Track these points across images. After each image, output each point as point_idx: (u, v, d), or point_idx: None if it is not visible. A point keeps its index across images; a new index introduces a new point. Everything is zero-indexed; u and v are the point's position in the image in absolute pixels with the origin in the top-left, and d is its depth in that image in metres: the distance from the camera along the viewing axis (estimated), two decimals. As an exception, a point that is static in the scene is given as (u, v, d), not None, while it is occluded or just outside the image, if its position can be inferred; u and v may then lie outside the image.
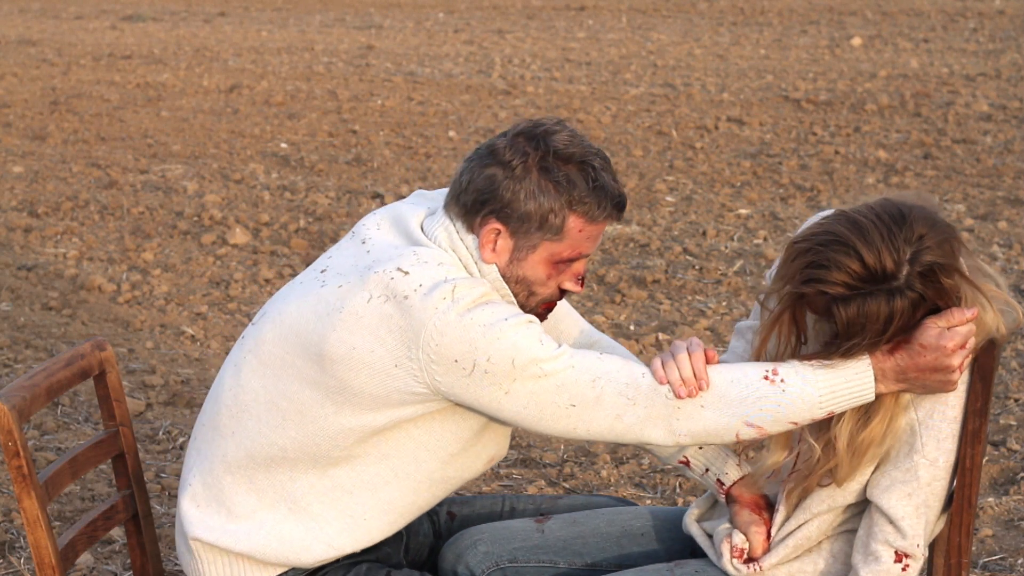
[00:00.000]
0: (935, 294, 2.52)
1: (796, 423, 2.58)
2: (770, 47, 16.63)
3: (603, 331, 6.51)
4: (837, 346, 2.55)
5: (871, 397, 2.58)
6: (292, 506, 2.75)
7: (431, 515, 3.07)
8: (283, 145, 11.18)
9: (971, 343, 2.56)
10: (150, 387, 5.89)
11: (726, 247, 7.87)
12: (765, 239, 8.01)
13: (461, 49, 17.09)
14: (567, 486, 4.89)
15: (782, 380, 2.56)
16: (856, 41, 16.69)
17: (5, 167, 10.39)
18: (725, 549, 2.78)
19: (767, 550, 2.77)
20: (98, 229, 8.60)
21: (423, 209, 2.80)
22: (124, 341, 6.51)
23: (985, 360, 2.62)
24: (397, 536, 2.96)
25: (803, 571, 2.77)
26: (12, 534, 4.55)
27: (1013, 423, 5.33)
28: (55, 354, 5.82)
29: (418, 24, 20.36)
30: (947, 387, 2.57)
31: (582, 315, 6.70)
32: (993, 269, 2.67)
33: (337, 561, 2.82)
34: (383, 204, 9.05)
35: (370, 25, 20.40)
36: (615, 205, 2.69)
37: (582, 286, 2.76)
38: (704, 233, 8.17)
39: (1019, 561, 4.35)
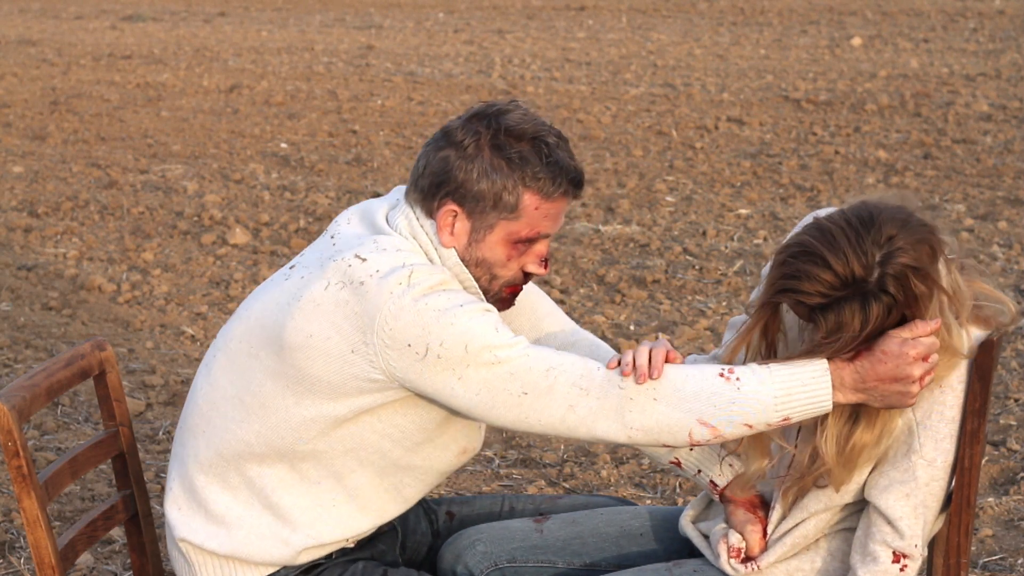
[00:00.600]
0: (906, 300, 2.52)
1: (751, 426, 2.55)
2: (770, 47, 16.63)
3: (603, 331, 6.51)
4: (829, 345, 2.56)
5: (828, 406, 2.55)
6: (264, 501, 2.75)
7: (429, 514, 3.07)
8: (283, 145, 11.18)
9: (934, 358, 2.55)
10: (150, 387, 5.89)
11: (726, 247, 7.87)
12: (765, 239, 8.01)
13: (461, 49, 17.09)
14: (567, 486, 4.89)
15: (737, 379, 2.55)
16: (856, 41, 16.69)
17: (5, 167, 10.39)
18: (722, 550, 2.78)
19: (764, 549, 2.78)
20: (98, 229, 8.60)
21: (392, 201, 2.79)
22: (124, 341, 6.51)
23: (983, 360, 2.62)
24: (392, 533, 2.96)
25: (800, 569, 2.77)
26: (12, 534, 4.55)
27: (1013, 423, 5.33)
28: (55, 354, 5.82)
29: (418, 24, 20.36)
30: (906, 400, 2.54)
31: (582, 315, 6.73)
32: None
33: (330, 557, 2.81)
34: (383, 204, 9.06)
35: (370, 25, 20.40)
36: (571, 181, 2.66)
37: (546, 268, 2.73)
38: (704, 233, 8.17)
39: (1019, 561, 4.35)
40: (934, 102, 12.25)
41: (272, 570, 2.78)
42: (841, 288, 2.50)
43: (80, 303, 7.10)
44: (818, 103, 12.38)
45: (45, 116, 12.68)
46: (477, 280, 2.70)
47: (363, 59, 16.30)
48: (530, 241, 2.69)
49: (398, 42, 18.07)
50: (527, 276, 2.74)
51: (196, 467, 2.79)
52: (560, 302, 6.90)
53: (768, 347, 2.66)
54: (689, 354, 6.22)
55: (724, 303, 6.91)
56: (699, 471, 2.88)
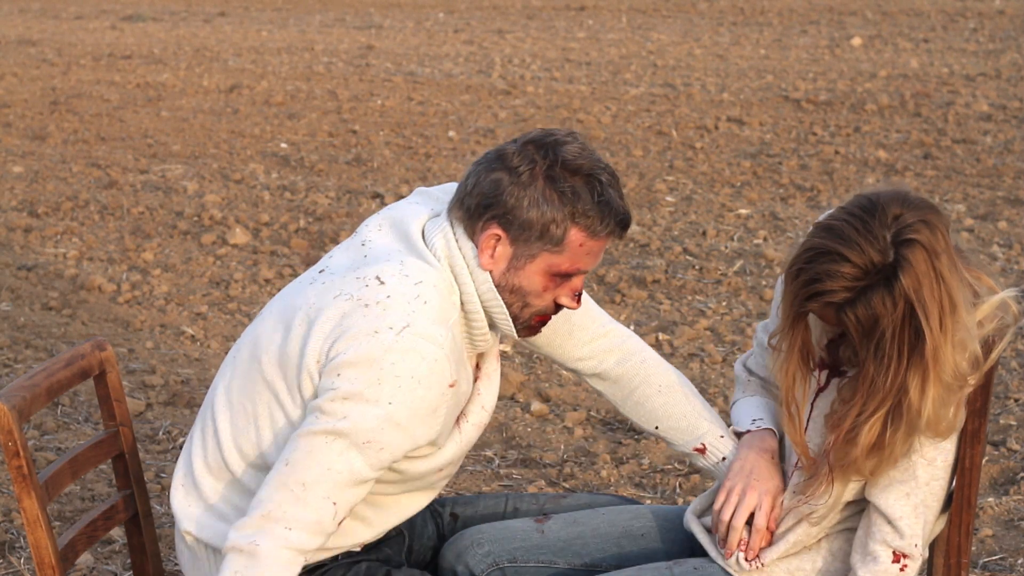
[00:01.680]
0: (914, 281, 2.50)
1: None
2: (770, 47, 16.63)
3: (603, 331, 6.51)
4: (866, 349, 2.53)
5: None
6: None
7: (435, 517, 3.07)
8: (283, 145, 11.18)
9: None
10: (150, 387, 5.89)
11: (726, 247, 7.87)
12: (765, 239, 8.01)
13: (461, 49, 17.09)
14: (567, 486, 4.89)
15: None
16: (856, 41, 16.69)
17: (5, 167, 10.39)
18: (733, 539, 2.77)
19: (770, 543, 2.77)
20: (98, 229, 8.60)
21: (427, 211, 2.74)
22: (124, 341, 6.51)
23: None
24: (399, 537, 2.96)
25: (802, 569, 2.77)
26: (12, 534, 4.55)
27: (1013, 423, 5.33)
28: (55, 354, 5.82)
29: (418, 24, 20.36)
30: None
31: (582, 315, 6.72)
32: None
33: (336, 560, 2.82)
34: (383, 204, 9.06)
35: (370, 25, 20.40)
36: (619, 222, 2.63)
37: (579, 303, 2.70)
38: (704, 233, 8.17)
39: (1019, 561, 4.35)
40: (934, 102, 12.25)
41: None
42: (864, 277, 2.49)
43: (80, 303, 7.10)
44: (818, 103, 12.38)
45: (45, 116, 12.68)
46: (509, 306, 2.67)
47: (363, 59, 16.30)
48: (568, 275, 2.66)
49: (398, 42, 18.07)
50: (558, 308, 2.72)
51: (202, 465, 2.79)
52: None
53: (808, 363, 2.66)
54: (690, 354, 6.23)
55: (724, 303, 6.91)
56: (724, 458, 2.89)
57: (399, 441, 2.55)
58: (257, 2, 24.36)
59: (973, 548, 4.36)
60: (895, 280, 2.48)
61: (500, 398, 5.71)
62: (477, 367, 2.80)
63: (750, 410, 2.91)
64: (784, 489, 2.79)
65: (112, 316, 6.90)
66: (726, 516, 2.78)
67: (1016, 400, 5.57)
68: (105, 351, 2.93)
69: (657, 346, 6.30)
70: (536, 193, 2.59)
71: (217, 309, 7.00)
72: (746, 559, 2.77)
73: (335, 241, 8.12)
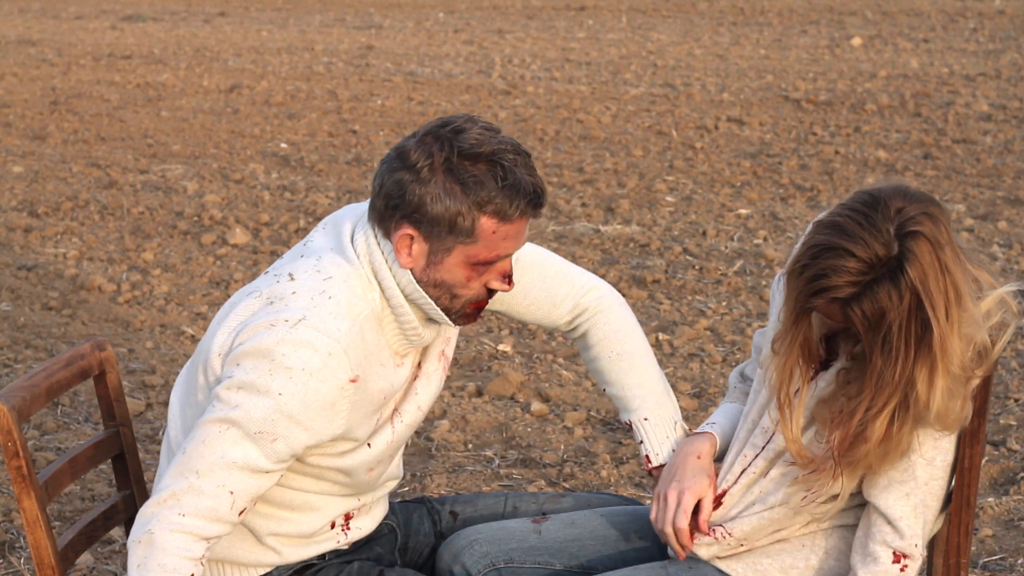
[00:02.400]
0: (920, 273, 2.49)
1: None
2: (770, 47, 16.63)
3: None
4: (873, 344, 2.53)
5: None
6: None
7: (432, 515, 3.07)
8: (283, 145, 11.18)
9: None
10: (150, 387, 5.89)
11: (726, 247, 7.87)
12: (765, 239, 8.01)
13: (461, 49, 17.09)
14: (567, 486, 4.89)
15: None
16: (856, 41, 16.69)
17: (5, 167, 10.39)
18: (674, 542, 2.78)
19: (718, 504, 2.80)
20: (98, 229, 8.60)
21: (361, 212, 2.74)
22: (124, 341, 6.51)
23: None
24: (391, 535, 2.96)
25: (795, 567, 2.76)
26: (12, 534, 4.55)
27: (1013, 423, 5.33)
28: (55, 354, 5.82)
29: (418, 24, 20.36)
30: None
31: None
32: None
33: (325, 559, 2.81)
34: (383, 204, 9.07)
35: (370, 25, 20.40)
36: (529, 202, 2.58)
37: (511, 284, 2.67)
38: (704, 233, 8.17)
39: (1019, 561, 4.35)
40: (934, 102, 12.25)
41: (265, 570, 2.78)
42: (869, 271, 2.49)
43: (80, 303, 7.10)
44: (818, 103, 12.38)
45: (45, 116, 12.68)
46: (437, 300, 2.64)
47: (363, 59, 16.30)
48: (490, 263, 2.62)
49: (398, 42, 18.07)
50: (491, 292, 2.69)
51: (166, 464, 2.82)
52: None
53: (808, 360, 2.66)
54: (690, 354, 6.23)
55: (724, 303, 6.91)
56: (641, 441, 2.93)
57: (294, 434, 2.54)
58: (257, 2, 24.37)
59: (973, 548, 4.36)
60: (901, 272, 2.48)
61: (500, 398, 5.71)
62: (419, 366, 2.79)
63: (713, 415, 2.93)
64: (712, 484, 2.81)
65: (112, 316, 6.90)
66: (659, 525, 2.82)
67: (1016, 400, 5.57)
68: (105, 351, 2.93)
69: (657, 346, 6.30)
70: (437, 188, 2.55)
71: (217, 309, 7.00)
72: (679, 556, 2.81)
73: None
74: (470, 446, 5.28)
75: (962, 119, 11.44)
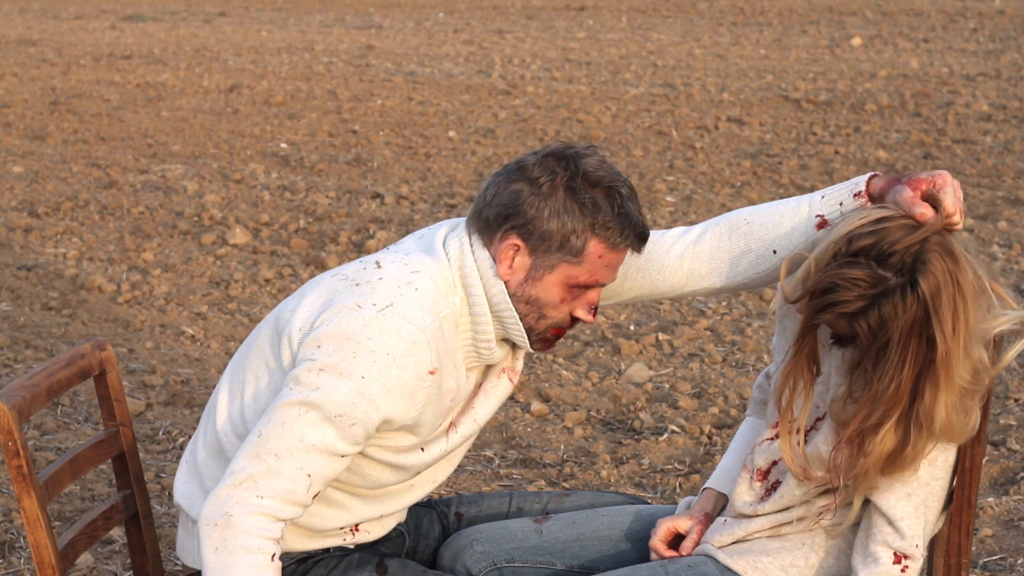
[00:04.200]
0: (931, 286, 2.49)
1: None
2: (770, 47, 16.63)
3: (604, 331, 6.51)
4: (873, 355, 2.52)
5: None
6: None
7: (441, 518, 3.07)
8: (283, 145, 11.18)
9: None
10: (150, 387, 5.89)
11: (726, 247, 7.87)
12: (765, 239, 8.00)
13: (461, 49, 17.09)
14: (567, 486, 4.88)
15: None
16: (856, 41, 16.69)
17: (5, 167, 10.39)
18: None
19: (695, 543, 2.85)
20: (98, 229, 8.60)
21: (459, 222, 2.77)
22: (124, 341, 6.51)
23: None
24: (400, 539, 2.96)
25: (795, 565, 2.76)
26: (12, 534, 4.55)
27: (1013, 423, 5.33)
28: (55, 354, 5.82)
29: (418, 24, 20.36)
30: None
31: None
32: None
33: (328, 551, 2.81)
34: (383, 204, 9.07)
35: (370, 25, 20.40)
36: (637, 235, 2.64)
37: (594, 316, 2.70)
38: (704, 233, 8.17)
39: (1019, 561, 4.35)
40: (934, 102, 12.25)
41: None
42: (879, 283, 2.48)
43: (80, 303, 7.10)
44: (818, 103, 12.38)
45: (45, 116, 12.68)
46: (524, 317, 2.67)
47: (363, 59, 16.30)
48: (586, 287, 2.66)
49: (398, 42, 18.07)
50: (574, 321, 2.71)
51: (202, 442, 2.82)
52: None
53: (813, 373, 2.65)
54: (691, 354, 6.22)
55: (724, 303, 6.91)
56: (840, 203, 2.71)
57: (372, 418, 2.55)
58: (257, 2, 24.37)
59: (973, 548, 4.36)
60: (913, 285, 2.46)
61: (500, 398, 5.71)
62: (479, 384, 2.79)
63: (721, 462, 2.98)
64: (694, 519, 2.88)
65: (112, 316, 6.90)
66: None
67: (1016, 400, 5.57)
68: (105, 351, 2.93)
69: (657, 346, 6.30)
70: (557, 204, 2.60)
71: (217, 309, 7.00)
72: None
73: (335, 241, 8.13)
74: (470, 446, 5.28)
75: (962, 119, 11.44)
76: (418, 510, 3.06)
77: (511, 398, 5.71)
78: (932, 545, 2.78)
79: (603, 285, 2.68)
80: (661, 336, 6.41)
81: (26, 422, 3.63)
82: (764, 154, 10.36)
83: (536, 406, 5.55)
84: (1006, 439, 5.18)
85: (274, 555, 2.53)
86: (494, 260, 2.64)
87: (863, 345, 2.53)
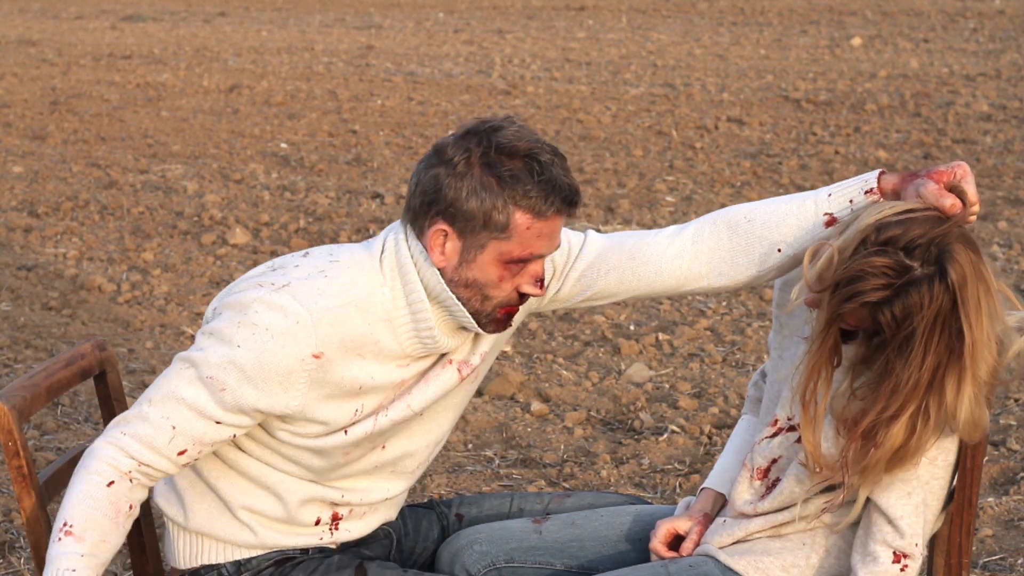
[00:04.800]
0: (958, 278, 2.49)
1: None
2: (770, 47, 16.63)
3: (604, 331, 6.51)
4: (897, 346, 2.51)
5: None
6: (208, 489, 2.79)
7: (441, 520, 3.06)
8: (283, 145, 11.18)
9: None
10: (150, 387, 5.89)
11: (726, 247, 7.87)
12: (765, 239, 8.00)
13: (461, 49, 17.09)
14: (567, 486, 4.88)
15: None
16: (856, 41, 16.69)
17: (5, 167, 10.39)
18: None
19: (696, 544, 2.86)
20: (98, 229, 8.60)
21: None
22: (124, 341, 6.51)
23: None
24: (387, 540, 2.94)
25: (796, 565, 2.76)
26: (12, 534, 4.55)
27: (1013, 423, 5.33)
28: (55, 354, 5.82)
29: (418, 24, 20.36)
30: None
31: (582, 315, 6.73)
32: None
33: (307, 552, 2.81)
34: (383, 204, 9.07)
35: (370, 25, 20.40)
36: (563, 199, 2.57)
37: (542, 288, 2.65)
38: (704, 233, 8.16)
39: (1019, 561, 4.35)
40: (934, 102, 12.25)
41: (242, 552, 2.78)
42: (905, 272, 2.47)
43: (80, 303, 7.10)
44: (818, 103, 12.38)
45: (45, 116, 12.68)
46: (468, 301, 2.63)
47: (363, 59, 16.30)
48: (523, 261, 2.61)
49: (398, 42, 18.07)
50: (523, 297, 2.67)
51: None
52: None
53: (835, 365, 2.64)
54: (691, 354, 6.22)
55: (724, 303, 6.91)
56: (851, 200, 2.70)
57: (243, 389, 2.56)
58: (257, 2, 24.37)
59: (973, 548, 4.36)
60: (941, 274, 2.46)
61: (500, 398, 5.71)
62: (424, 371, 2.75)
63: (719, 461, 2.97)
64: (693, 519, 2.89)
65: (112, 316, 6.90)
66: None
67: (1016, 400, 5.57)
68: (105, 351, 2.93)
69: (657, 346, 6.30)
70: (474, 182, 2.56)
71: (217, 309, 7.00)
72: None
73: (335, 241, 8.13)
74: (470, 446, 5.28)
75: (962, 119, 11.44)
76: (418, 511, 3.05)
77: (511, 398, 5.71)
78: (932, 545, 2.78)
79: (542, 256, 2.63)
80: (661, 336, 6.41)
81: (26, 422, 3.63)
82: (764, 154, 10.36)
83: (536, 406, 5.55)
84: (1006, 439, 5.18)
85: (112, 483, 2.57)
86: (426, 249, 2.62)
87: (886, 336, 2.52)
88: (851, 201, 2.68)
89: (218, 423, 2.58)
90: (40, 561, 2.63)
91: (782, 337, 2.79)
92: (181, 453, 2.59)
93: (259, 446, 2.71)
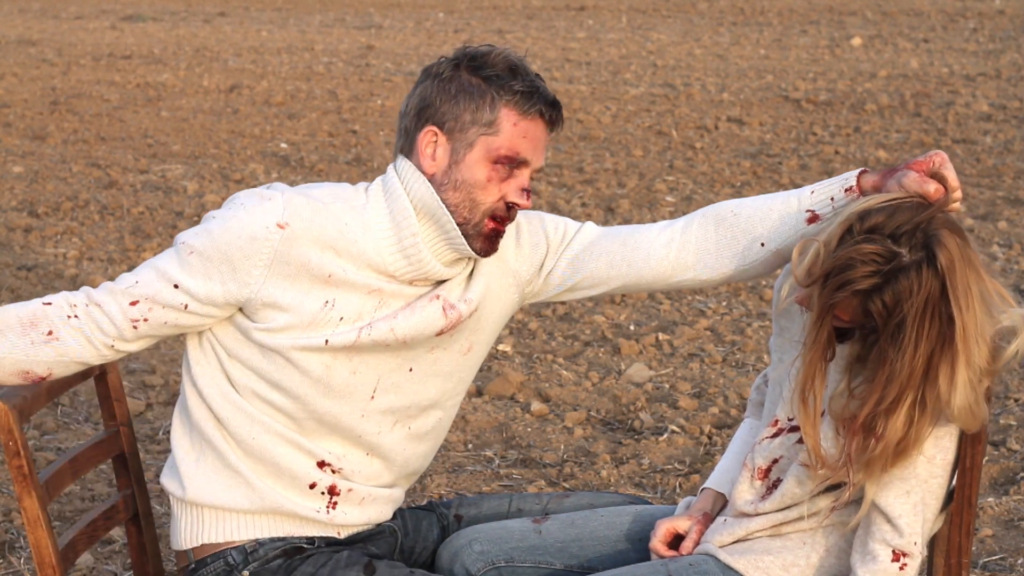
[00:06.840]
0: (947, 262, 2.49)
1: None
2: (770, 47, 16.64)
3: (604, 331, 6.51)
4: (888, 335, 2.51)
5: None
6: (205, 444, 2.79)
7: (441, 520, 3.06)
8: (283, 145, 11.18)
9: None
10: (150, 387, 5.89)
11: (726, 247, 7.87)
12: (765, 239, 8.01)
13: (461, 49, 17.09)
14: (567, 486, 4.89)
15: None
16: (856, 41, 16.69)
17: (5, 167, 10.39)
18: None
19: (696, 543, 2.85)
20: (98, 229, 8.60)
21: None
22: (124, 341, 6.51)
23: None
24: (392, 537, 2.94)
25: (796, 564, 2.76)
26: (12, 534, 4.55)
27: (1013, 423, 5.33)
28: (55, 354, 5.80)
29: (418, 24, 20.36)
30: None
31: (582, 315, 6.73)
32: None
33: (317, 546, 2.80)
34: (383, 204, 9.08)
35: (370, 25, 20.40)
36: (547, 103, 2.69)
37: (528, 199, 2.71)
38: (704, 233, 8.17)
39: (1019, 561, 4.35)
40: (934, 102, 12.25)
41: (240, 515, 2.78)
42: (893, 258, 2.48)
43: (80, 303, 7.10)
44: (818, 103, 12.38)
45: (45, 116, 12.68)
46: (456, 209, 2.68)
47: (363, 59, 16.30)
48: (510, 163, 2.68)
49: (398, 42, 18.07)
50: (509, 209, 2.71)
51: (177, 414, 2.87)
52: (560, 301, 6.90)
53: (828, 359, 2.64)
54: (691, 354, 6.22)
55: (724, 303, 6.92)
56: (832, 198, 2.75)
57: (209, 253, 2.64)
58: (257, 2, 24.38)
59: (973, 548, 4.36)
60: (930, 259, 2.47)
61: (500, 398, 5.71)
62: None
63: (720, 462, 2.97)
64: (693, 519, 2.89)
65: (112, 316, 6.90)
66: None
67: (1016, 400, 5.57)
68: (105, 351, 2.93)
69: (657, 346, 6.30)
70: (462, 83, 2.68)
71: (217, 309, 7.00)
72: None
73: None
74: (470, 446, 5.28)
75: (962, 119, 11.45)
76: (418, 513, 3.05)
77: (511, 398, 5.71)
78: (932, 545, 2.78)
79: (528, 164, 2.70)
80: (661, 336, 6.41)
81: (26, 422, 3.64)
82: (764, 154, 10.37)
83: (536, 406, 5.55)
84: (1006, 439, 5.18)
85: (50, 304, 2.64)
86: (417, 157, 2.70)
87: (878, 325, 2.53)
88: (832, 199, 2.74)
89: (175, 287, 2.64)
90: (40, 561, 2.63)
91: (783, 340, 2.80)
92: (133, 304, 2.65)
93: (244, 370, 2.72)
